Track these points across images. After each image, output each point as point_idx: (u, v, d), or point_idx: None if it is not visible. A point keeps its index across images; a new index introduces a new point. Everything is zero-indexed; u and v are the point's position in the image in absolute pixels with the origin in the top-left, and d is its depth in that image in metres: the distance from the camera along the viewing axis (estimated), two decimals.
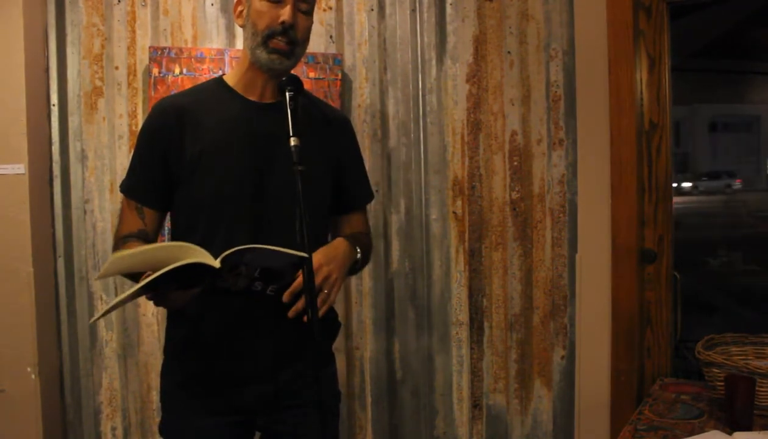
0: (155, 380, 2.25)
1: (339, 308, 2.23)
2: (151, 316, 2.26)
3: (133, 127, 2.23)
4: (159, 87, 2.13)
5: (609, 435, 2.03)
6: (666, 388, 1.86)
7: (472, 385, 2.24)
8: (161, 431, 1.42)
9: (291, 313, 1.23)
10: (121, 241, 1.34)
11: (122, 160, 2.23)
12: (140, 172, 1.37)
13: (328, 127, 1.46)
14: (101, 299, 2.26)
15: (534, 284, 2.18)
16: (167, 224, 1.54)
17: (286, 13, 1.28)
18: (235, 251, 1.10)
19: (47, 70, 2.23)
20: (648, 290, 2.05)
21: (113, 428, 2.29)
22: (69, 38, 2.23)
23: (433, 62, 2.22)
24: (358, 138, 1.61)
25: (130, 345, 2.26)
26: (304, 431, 1.36)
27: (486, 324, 2.22)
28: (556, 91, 2.13)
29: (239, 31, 2.18)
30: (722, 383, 1.57)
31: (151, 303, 1.18)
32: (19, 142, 2.11)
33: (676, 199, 2.10)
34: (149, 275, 1.05)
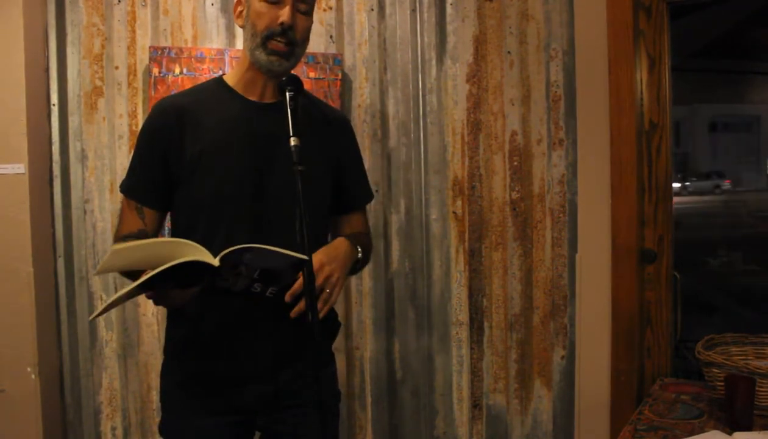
0: (155, 380, 2.25)
1: (339, 308, 2.23)
2: (151, 316, 2.26)
3: (133, 127, 2.23)
4: (159, 87, 2.13)
5: (609, 435, 2.03)
6: (666, 388, 1.86)
7: (472, 385, 2.24)
8: (161, 431, 1.42)
9: (293, 313, 1.23)
10: (121, 240, 1.33)
11: (122, 160, 2.23)
12: (140, 172, 1.37)
13: (328, 127, 1.46)
14: (101, 299, 2.26)
15: (534, 284, 2.18)
16: (167, 224, 1.54)
17: (285, 13, 1.28)
18: (234, 250, 1.10)
19: (47, 70, 2.23)
20: (648, 290, 2.05)
21: (113, 428, 2.29)
22: (69, 38, 2.23)
23: (433, 62, 2.22)
24: (358, 138, 1.61)
25: (130, 345, 2.26)
26: (304, 431, 1.36)
27: (486, 324, 2.22)
28: (556, 91, 2.13)
29: (239, 31, 2.18)
30: (722, 383, 1.57)
31: (151, 303, 1.18)
32: (19, 142, 2.11)
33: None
34: (147, 274, 1.05)
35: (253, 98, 1.38)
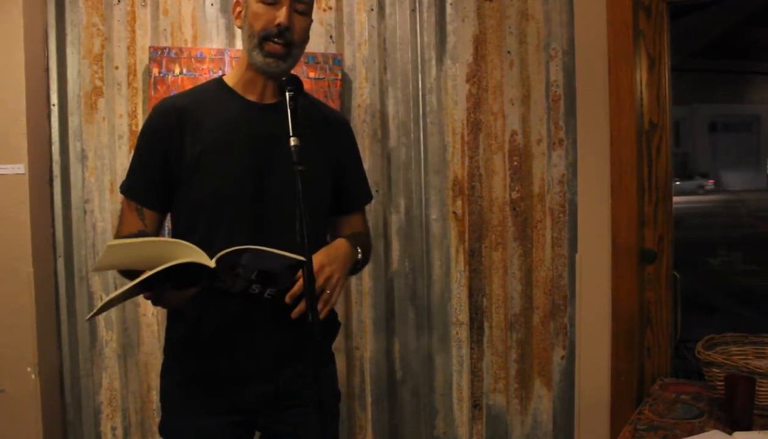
0: (155, 380, 2.25)
1: (339, 308, 2.22)
2: (151, 316, 2.26)
3: (133, 127, 2.23)
4: (159, 87, 2.13)
5: (609, 435, 2.03)
6: (666, 388, 1.86)
7: (472, 385, 2.24)
8: (161, 431, 1.42)
9: (294, 314, 1.23)
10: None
11: (122, 160, 2.23)
12: (140, 173, 1.37)
13: (328, 127, 1.46)
14: (101, 299, 2.26)
15: (534, 284, 2.18)
16: (167, 224, 1.54)
17: (281, 14, 1.28)
18: (231, 252, 1.10)
19: (47, 70, 2.23)
20: (648, 290, 2.05)
21: (113, 428, 2.29)
22: (69, 38, 2.23)
23: (433, 62, 2.22)
24: (358, 138, 1.61)
25: (130, 345, 2.26)
26: (304, 431, 1.36)
27: (486, 324, 2.22)
28: (556, 91, 2.13)
29: (239, 31, 2.18)
30: (722, 383, 1.57)
31: (150, 303, 1.18)
32: (19, 142, 2.11)
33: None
34: (145, 274, 1.05)
35: (252, 99, 1.38)
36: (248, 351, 1.33)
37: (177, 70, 2.14)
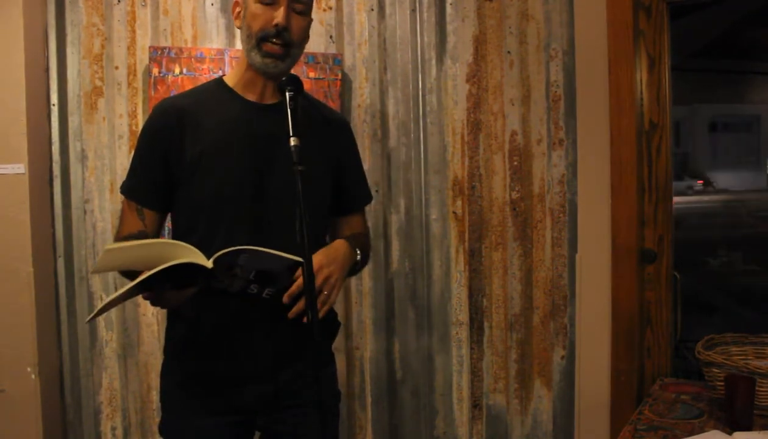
0: (155, 380, 2.25)
1: (339, 308, 2.23)
2: (151, 316, 2.26)
3: (133, 127, 2.23)
4: (159, 87, 2.13)
5: (609, 435, 2.03)
6: (666, 388, 1.86)
7: (472, 385, 2.24)
8: (161, 431, 1.42)
9: (291, 314, 1.23)
10: (121, 241, 1.34)
11: (122, 160, 2.23)
12: (141, 174, 1.37)
13: (328, 127, 1.46)
14: (101, 299, 2.26)
15: (534, 284, 2.18)
16: (168, 224, 1.54)
17: (279, 15, 1.28)
18: (229, 252, 1.10)
19: (47, 70, 2.23)
20: (648, 290, 2.05)
21: (113, 428, 2.29)
22: (69, 38, 2.23)
23: (433, 62, 2.22)
24: (358, 138, 1.61)
25: (130, 345, 2.26)
26: (304, 431, 1.37)
27: (486, 324, 2.22)
28: (556, 91, 2.13)
29: (239, 31, 2.17)
30: (722, 383, 1.57)
31: (150, 303, 1.19)
32: (19, 142, 2.11)
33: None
34: (144, 274, 1.06)
35: (252, 99, 1.38)
36: (247, 351, 1.33)
37: (177, 70, 2.14)
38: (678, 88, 2.13)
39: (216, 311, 1.32)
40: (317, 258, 1.26)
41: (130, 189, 1.38)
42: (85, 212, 2.25)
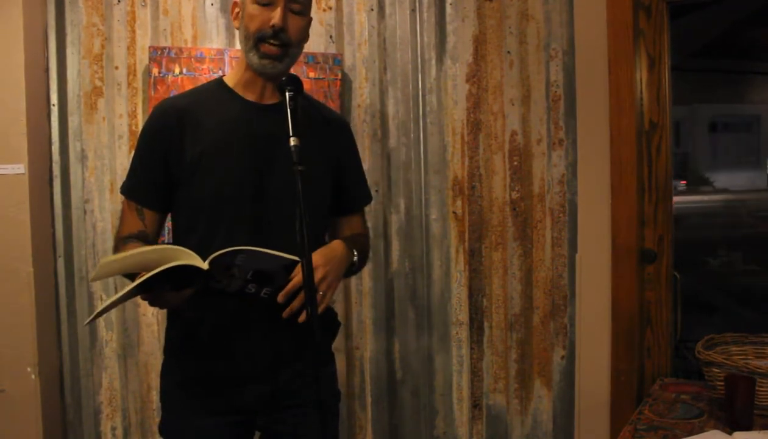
0: (155, 380, 2.25)
1: (339, 308, 2.23)
2: (151, 316, 2.26)
3: (133, 127, 2.23)
4: (159, 87, 2.13)
5: (609, 435, 2.03)
6: (666, 388, 1.86)
7: (472, 385, 2.24)
8: (161, 431, 1.42)
9: (285, 313, 1.24)
10: (121, 242, 1.34)
11: (122, 160, 2.23)
12: (141, 174, 1.37)
13: (327, 128, 1.46)
14: (101, 299, 2.26)
15: (534, 284, 2.18)
16: (168, 224, 1.54)
17: (276, 15, 1.28)
18: (226, 253, 1.11)
19: (47, 70, 2.23)
20: (648, 290, 2.05)
21: (113, 428, 2.29)
22: (69, 38, 2.23)
23: (433, 62, 2.22)
24: (358, 138, 1.61)
25: (130, 345, 2.26)
26: (304, 430, 1.37)
27: (486, 324, 2.22)
28: (556, 91, 2.13)
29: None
30: (722, 383, 1.57)
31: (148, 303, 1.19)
32: (19, 142, 2.11)
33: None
34: (143, 276, 1.06)
35: (252, 99, 1.38)
36: (246, 351, 1.33)
37: (177, 70, 2.14)
38: (678, 88, 2.13)
39: (215, 312, 1.32)
40: (314, 258, 1.25)
41: (130, 189, 1.38)
42: (85, 212, 2.25)
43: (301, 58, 1.47)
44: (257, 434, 1.45)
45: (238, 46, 2.20)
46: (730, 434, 1.47)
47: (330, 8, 2.23)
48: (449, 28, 2.21)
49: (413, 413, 2.28)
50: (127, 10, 2.22)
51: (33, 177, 2.15)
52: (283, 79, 1.26)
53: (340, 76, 2.19)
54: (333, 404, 1.48)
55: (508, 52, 2.16)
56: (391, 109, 2.24)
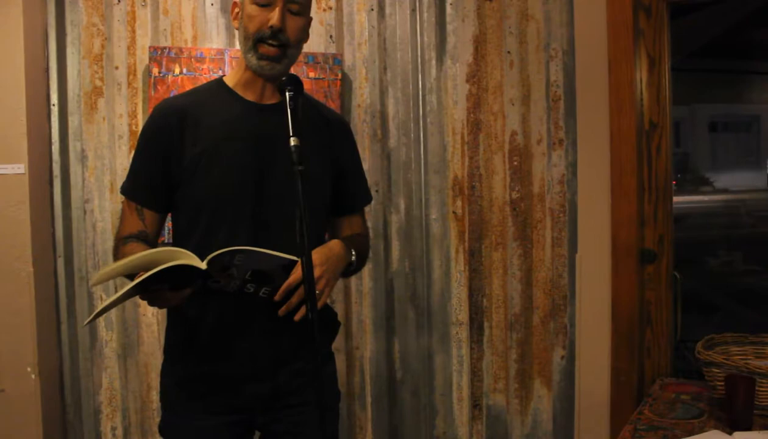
0: (155, 380, 2.25)
1: (339, 308, 2.23)
2: (151, 316, 2.26)
3: (133, 127, 2.23)
4: (159, 87, 2.13)
5: (609, 435, 2.03)
6: (666, 388, 1.86)
7: (472, 385, 2.24)
8: (161, 431, 1.42)
9: (281, 311, 1.24)
10: (121, 242, 1.34)
11: (122, 160, 2.23)
12: (141, 175, 1.37)
13: (327, 128, 1.46)
14: (101, 299, 2.26)
15: (534, 284, 2.18)
16: (168, 224, 1.55)
17: (274, 16, 1.28)
18: (224, 253, 1.11)
19: (47, 70, 2.23)
20: (648, 290, 2.05)
21: (113, 428, 2.29)
22: (69, 38, 2.23)
23: (433, 62, 2.22)
24: (358, 138, 1.61)
25: (130, 345, 2.26)
26: (304, 430, 1.37)
27: (486, 324, 2.22)
28: (556, 91, 2.13)
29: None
30: (722, 383, 1.57)
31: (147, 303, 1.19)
32: (19, 142, 2.11)
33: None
34: (141, 276, 1.07)
35: (252, 99, 1.38)
36: (246, 351, 1.33)
37: (177, 70, 2.14)
38: (678, 88, 2.13)
39: (215, 312, 1.32)
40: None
41: (130, 190, 1.38)
42: (85, 212, 2.25)
43: (301, 58, 1.47)
44: (257, 434, 1.45)
45: (238, 46, 2.20)
46: (730, 434, 1.47)
47: (330, 8, 2.23)
48: (449, 28, 2.21)
49: (413, 413, 2.28)
50: (127, 10, 2.22)
51: (33, 177, 2.15)
52: (283, 79, 1.26)
53: (340, 76, 2.19)
54: (333, 404, 1.48)
55: (508, 52, 2.16)
56: (391, 109, 2.24)
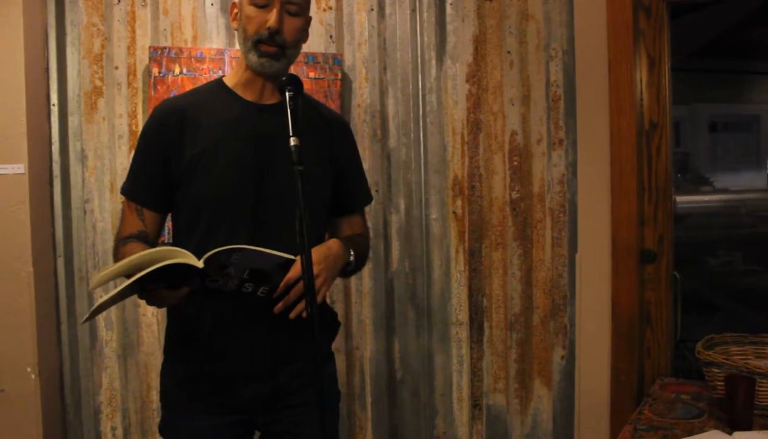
0: (155, 380, 2.25)
1: (339, 308, 2.23)
2: (151, 316, 2.26)
3: (133, 127, 2.23)
4: (159, 87, 2.13)
5: (609, 435, 2.03)
6: (666, 388, 1.86)
7: (472, 385, 2.24)
8: (161, 431, 1.42)
9: (277, 308, 1.24)
10: (121, 242, 1.34)
11: (122, 160, 2.23)
12: (141, 175, 1.37)
13: (327, 128, 1.46)
14: (101, 299, 2.25)
15: (534, 284, 2.18)
16: (168, 224, 1.55)
17: (272, 18, 1.29)
18: (221, 252, 1.12)
19: (47, 70, 2.23)
20: (648, 290, 2.05)
21: (113, 428, 2.29)
22: (69, 38, 2.23)
23: (433, 62, 2.22)
24: (358, 138, 1.61)
25: (130, 345, 2.26)
26: (304, 430, 1.37)
27: (486, 324, 2.22)
28: (556, 91, 2.13)
29: None
30: (722, 383, 1.57)
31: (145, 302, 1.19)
32: (19, 142, 2.11)
33: None
34: (137, 275, 1.07)
35: (252, 99, 1.38)
36: (245, 351, 1.33)
37: (177, 70, 2.14)
38: (678, 88, 2.13)
39: (215, 312, 1.32)
40: None
41: (130, 190, 1.38)
42: (85, 212, 2.25)
43: (301, 58, 1.47)
44: (257, 434, 1.45)
45: (237, 46, 2.21)
46: (730, 434, 1.47)
47: (330, 8, 2.23)
48: (449, 28, 2.21)
49: (413, 413, 2.28)
50: (127, 10, 2.22)
51: (33, 177, 2.15)
52: (283, 79, 1.26)
53: (340, 76, 2.19)
54: (333, 404, 1.48)
55: (508, 52, 2.16)
56: (391, 109, 2.24)
